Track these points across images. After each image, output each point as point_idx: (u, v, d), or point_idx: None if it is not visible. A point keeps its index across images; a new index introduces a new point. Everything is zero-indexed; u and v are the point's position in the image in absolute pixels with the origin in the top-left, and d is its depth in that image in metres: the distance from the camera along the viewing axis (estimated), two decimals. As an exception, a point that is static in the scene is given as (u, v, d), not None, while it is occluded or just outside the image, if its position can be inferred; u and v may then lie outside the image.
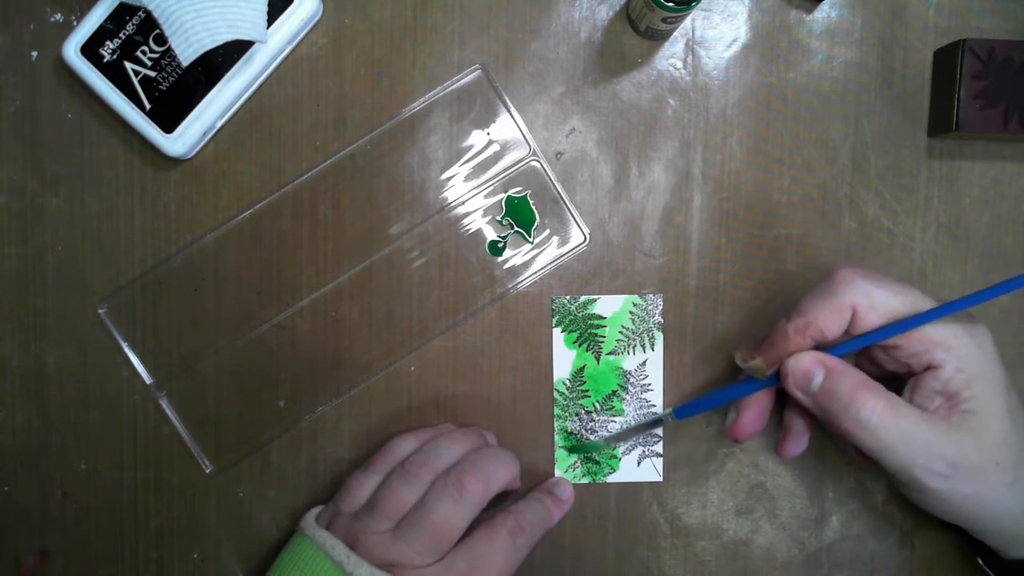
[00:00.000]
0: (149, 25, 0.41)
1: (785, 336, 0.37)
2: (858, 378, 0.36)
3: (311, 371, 0.45)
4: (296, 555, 0.39)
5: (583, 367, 0.45)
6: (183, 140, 0.42)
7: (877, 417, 0.35)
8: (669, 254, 0.45)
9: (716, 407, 0.42)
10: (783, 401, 0.43)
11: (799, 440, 0.42)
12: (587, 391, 0.45)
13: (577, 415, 0.45)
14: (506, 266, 0.45)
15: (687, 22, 0.45)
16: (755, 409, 0.41)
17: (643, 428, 0.44)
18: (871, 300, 0.36)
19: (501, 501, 0.43)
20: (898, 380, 0.38)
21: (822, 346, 0.37)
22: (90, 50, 0.42)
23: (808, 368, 0.37)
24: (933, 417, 0.36)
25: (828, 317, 0.36)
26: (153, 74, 0.42)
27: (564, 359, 0.45)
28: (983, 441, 0.35)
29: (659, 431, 0.45)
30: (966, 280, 0.45)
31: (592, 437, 0.45)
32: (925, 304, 0.36)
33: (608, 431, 0.45)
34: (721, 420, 0.45)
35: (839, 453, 0.46)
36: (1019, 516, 0.37)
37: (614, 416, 0.45)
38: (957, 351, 0.36)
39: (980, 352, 0.36)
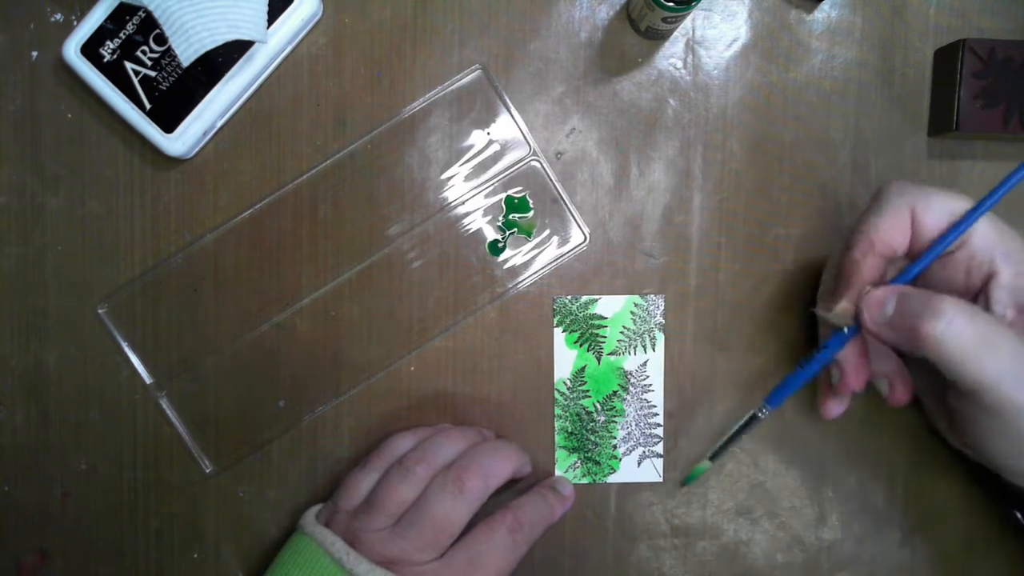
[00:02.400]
0: (149, 25, 0.41)
1: (854, 264, 0.36)
2: (929, 293, 0.34)
3: (311, 371, 0.45)
4: (296, 553, 0.39)
5: (584, 367, 0.45)
6: (183, 140, 0.42)
7: (959, 319, 0.32)
8: (669, 254, 0.45)
9: (806, 382, 0.40)
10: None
11: (842, 400, 0.41)
12: (588, 391, 0.45)
13: (577, 415, 0.45)
14: (506, 266, 0.45)
15: (687, 22, 0.45)
16: (852, 361, 0.39)
17: (741, 431, 0.42)
18: (928, 200, 0.35)
19: (508, 489, 0.43)
20: None
21: (894, 268, 0.36)
22: (90, 50, 0.42)
23: (880, 296, 0.35)
24: (1011, 327, 0.34)
25: (890, 226, 0.36)
26: (153, 74, 0.42)
27: (565, 359, 0.45)
28: None
29: (660, 434, 0.45)
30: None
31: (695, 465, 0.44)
32: (972, 203, 0.35)
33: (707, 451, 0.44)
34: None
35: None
36: None
37: (614, 416, 0.45)
38: (1014, 255, 0.35)
39: None
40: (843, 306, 0.37)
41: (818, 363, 0.39)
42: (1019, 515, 0.40)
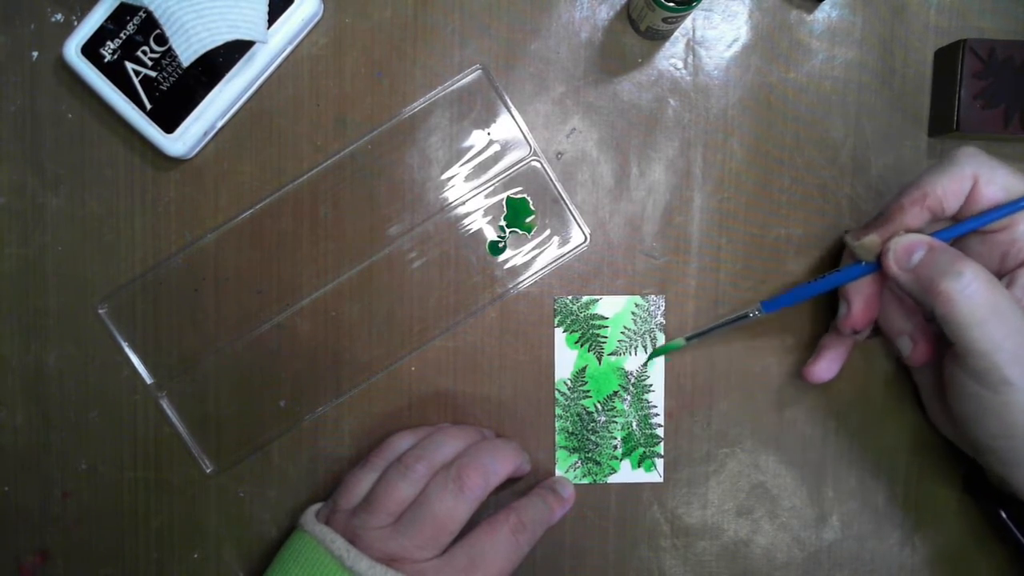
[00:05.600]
0: (150, 25, 0.41)
1: (900, 209, 0.36)
2: (957, 252, 0.35)
3: (311, 371, 0.45)
4: (296, 551, 0.39)
5: (584, 367, 0.45)
6: (183, 140, 0.42)
7: (976, 284, 0.33)
8: (669, 254, 0.45)
9: (806, 299, 0.40)
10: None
11: (831, 364, 0.42)
12: (588, 391, 0.45)
13: (578, 415, 0.45)
14: (506, 266, 0.45)
15: (687, 22, 0.45)
16: (863, 296, 0.39)
17: (729, 323, 0.43)
18: (993, 173, 0.36)
19: (509, 487, 0.44)
20: None
21: (936, 225, 0.37)
22: (91, 50, 0.42)
23: (911, 243, 0.36)
24: None
25: (947, 186, 0.36)
26: (154, 74, 0.42)
27: (566, 359, 0.45)
28: None
29: (660, 434, 0.45)
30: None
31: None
32: None
33: (692, 330, 0.44)
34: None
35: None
36: None
37: (615, 417, 0.45)
38: None
39: None
40: (871, 239, 0.37)
41: (827, 283, 0.39)
42: (1004, 515, 0.40)
